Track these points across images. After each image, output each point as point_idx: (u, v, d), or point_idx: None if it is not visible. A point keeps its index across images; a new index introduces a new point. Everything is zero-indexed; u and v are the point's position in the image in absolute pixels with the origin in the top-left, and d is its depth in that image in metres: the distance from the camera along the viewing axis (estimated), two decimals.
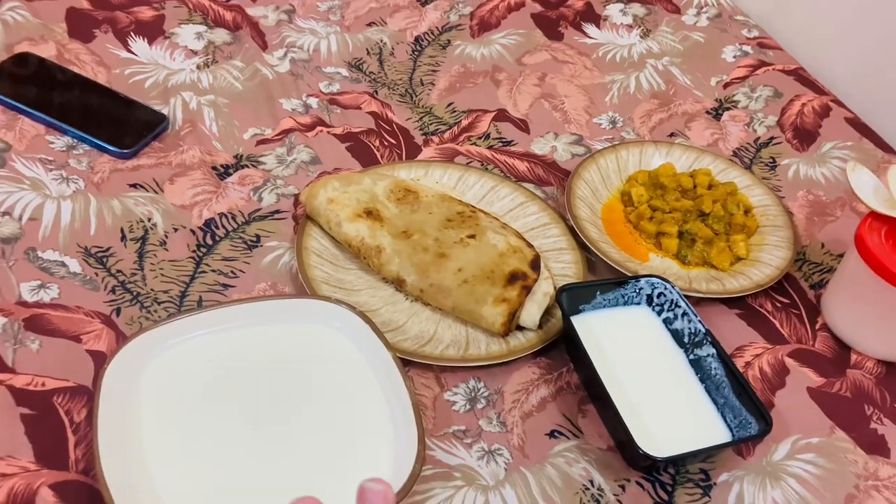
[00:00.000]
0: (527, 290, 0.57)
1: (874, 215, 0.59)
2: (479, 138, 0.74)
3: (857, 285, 0.59)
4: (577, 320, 0.56)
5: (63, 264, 0.57)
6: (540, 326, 0.58)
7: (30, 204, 0.60)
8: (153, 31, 0.78)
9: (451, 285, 0.58)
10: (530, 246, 0.61)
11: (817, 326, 0.62)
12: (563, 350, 0.57)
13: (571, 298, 0.57)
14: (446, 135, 0.74)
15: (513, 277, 0.58)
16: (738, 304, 0.62)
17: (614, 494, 0.49)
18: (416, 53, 0.82)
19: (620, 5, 0.93)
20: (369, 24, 0.84)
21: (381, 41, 0.82)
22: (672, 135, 0.77)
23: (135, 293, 0.56)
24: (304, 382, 0.51)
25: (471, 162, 0.71)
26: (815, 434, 0.54)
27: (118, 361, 0.48)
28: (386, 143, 0.72)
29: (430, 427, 0.51)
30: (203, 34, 0.79)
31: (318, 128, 0.72)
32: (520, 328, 0.58)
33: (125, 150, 0.65)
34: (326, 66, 0.79)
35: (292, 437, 0.48)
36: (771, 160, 0.76)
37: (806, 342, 0.60)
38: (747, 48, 0.89)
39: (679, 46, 0.88)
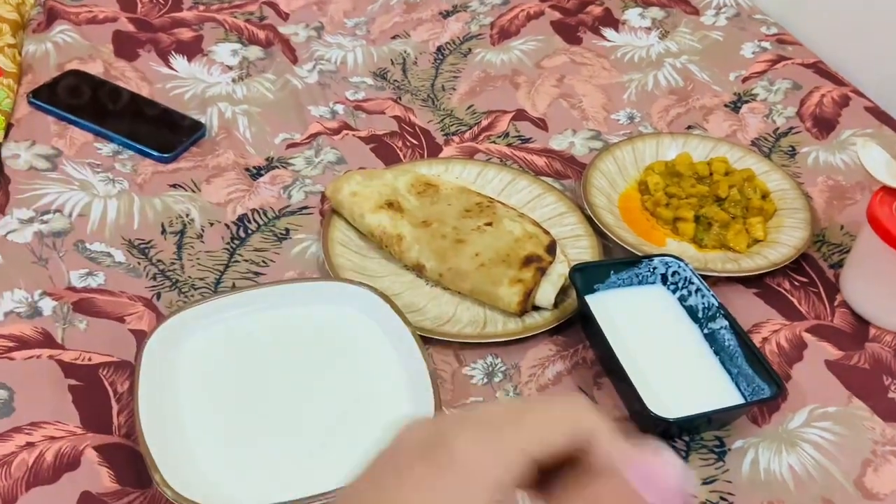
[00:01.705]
0: (542, 271, 0.60)
1: (885, 190, 0.59)
2: (499, 137, 0.77)
3: (872, 259, 0.59)
4: (591, 299, 0.58)
5: (109, 255, 0.62)
6: (556, 306, 0.59)
7: (79, 202, 0.66)
8: (192, 49, 0.84)
9: (469, 269, 0.60)
10: (546, 232, 0.63)
11: (836, 303, 0.62)
12: (580, 329, 0.59)
13: (585, 278, 0.59)
14: (466, 135, 0.77)
15: (528, 260, 0.60)
16: (756, 284, 0.63)
17: None
18: (438, 62, 0.86)
19: (639, 9, 0.95)
20: (394, 37, 0.89)
21: (405, 52, 0.86)
22: (690, 127, 0.79)
23: (174, 280, 0.60)
24: (329, 357, 0.54)
25: (490, 158, 0.74)
26: (832, 403, 0.54)
27: (157, 337, 0.52)
28: (408, 144, 0.75)
29: (449, 398, 0.53)
30: (238, 51, 0.84)
31: (344, 131, 0.76)
32: (536, 308, 0.60)
33: (166, 155, 0.70)
34: (353, 76, 0.83)
35: (317, 405, 0.51)
36: (790, 149, 0.77)
37: (824, 318, 0.61)
38: (766, 44, 0.90)
39: (697, 45, 0.90)
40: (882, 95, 0.83)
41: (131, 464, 0.48)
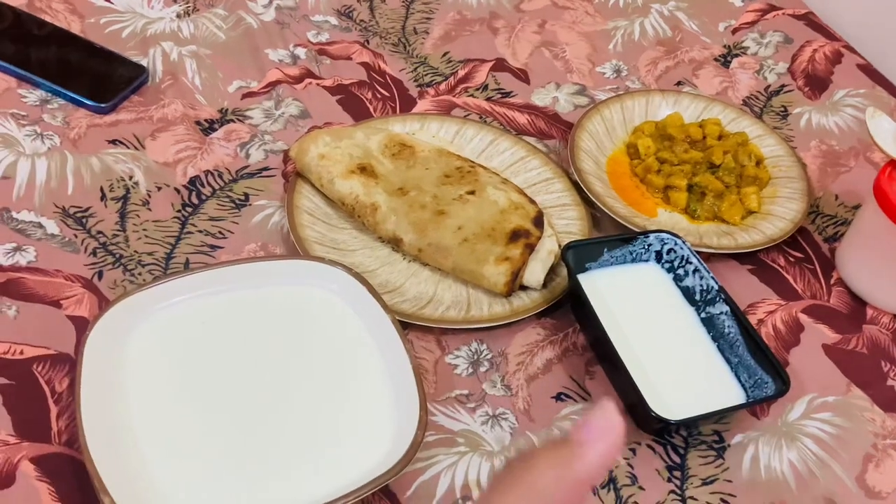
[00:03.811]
0: (530, 248, 0.55)
1: (894, 164, 0.56)
2: (477, 90, 0.70)
3: (874, 238, 0.56)
4: (583, 278, 0.54)
5: (40, 225, 0.54)
6: (544, 286, 0.55)
7: (2, 162, 0.57)
8: None
9: (451, 244, 0.55)
10: (532, 202, 0.58)
11: (832, 281, 0.59)
12: (569, 310, 0.55)
13: (577, 256, 0.54)
14: (442, 86, 0.70)
15: (515, 235, 0.55)
16: (750, 259, 0.60)
17: (625, 458, 0.47)
18: (409, 0, 0.78)
19: None
20: None
21: None
22: (679, 83, 0.74)
23: (117, 255, 0.53)
24: (298, 347, 0.48)
25: (468, 115, 0.68)
26: (831, 392, 0.52)
27: (101, 327, 0.45)
28: (379, 96, 0.68)
29: (432, 391, 0.49)
30: None
31: (307, 80, 0.68)
32: (523, 288, 0.55)
33: (103, 105, 0.62)
34: (314, 15, 0.75)
35: (287, 404, 0.46)
36: (782, 109, 0.73)
37: (820, 298, 0.58)
38: None
39: None
40: (874, 51, 0.80)
41: (76, 477, 0.42)
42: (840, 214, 0.64)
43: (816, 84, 0.76)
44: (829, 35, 0.81)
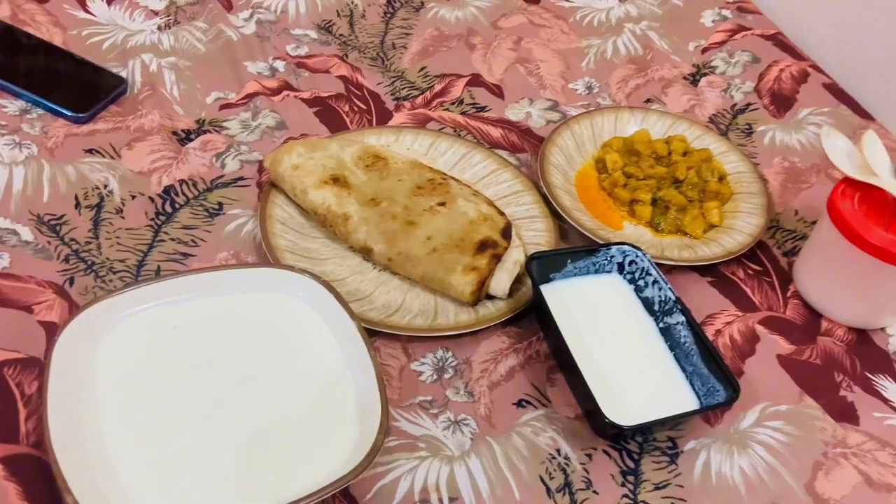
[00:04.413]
0: (497, 258, 0.56)
1: (847, 181, 0.58)
2: (453, 104, 0.72)
3: (829, 252, 0.58)
4: (547, 289, 0.55)
5: (14, 232, 0.55)
6: (510, 295, 0.57)
7: None
8: None
9: (420, 254, 0.56)
10: (501, 214, 0.60)
11: (789, 294, 0.61)
12: (534, 319, 0.56)
13: (542, 267, 0.56)
14: (418, 100, 0.72)
15: (483, 245, 0.57)
16: (711, 271, 0.62)
17: (581, 463, 0.49)
18: (389, 16, 0.80)
19: None
20: None
21: (352, 2, 0.80)
22: (649, 101, 0.76)
23: (89, 262, 0.54)
24: (266, 353, 0.50)
25: (443, 128, 0.69)
26: (784, 401, 0.54)
27: (70, 332, 0.46)
28: (356, 109, 0.70)
29: (396, 398, 0.50)
30: None
31: (285, 92, 0.70)
32: (490, 297, 0.57)
33: (81, 115, 0.63)
34: (294, 28, 0.76)
35: (254, 408, 0.47)
36: (747, 126, 0.75)
37: (777, 310, 0.60)
38: (726, 12, 0.88)
39: (658, 11, 0.87)
40: (840, 70, 0.82)
41: (43, 478, 0.43)
42: (799, 229, 0.66)
43: (781, 102, 0.78)
44: (796, 55, 0.84)
